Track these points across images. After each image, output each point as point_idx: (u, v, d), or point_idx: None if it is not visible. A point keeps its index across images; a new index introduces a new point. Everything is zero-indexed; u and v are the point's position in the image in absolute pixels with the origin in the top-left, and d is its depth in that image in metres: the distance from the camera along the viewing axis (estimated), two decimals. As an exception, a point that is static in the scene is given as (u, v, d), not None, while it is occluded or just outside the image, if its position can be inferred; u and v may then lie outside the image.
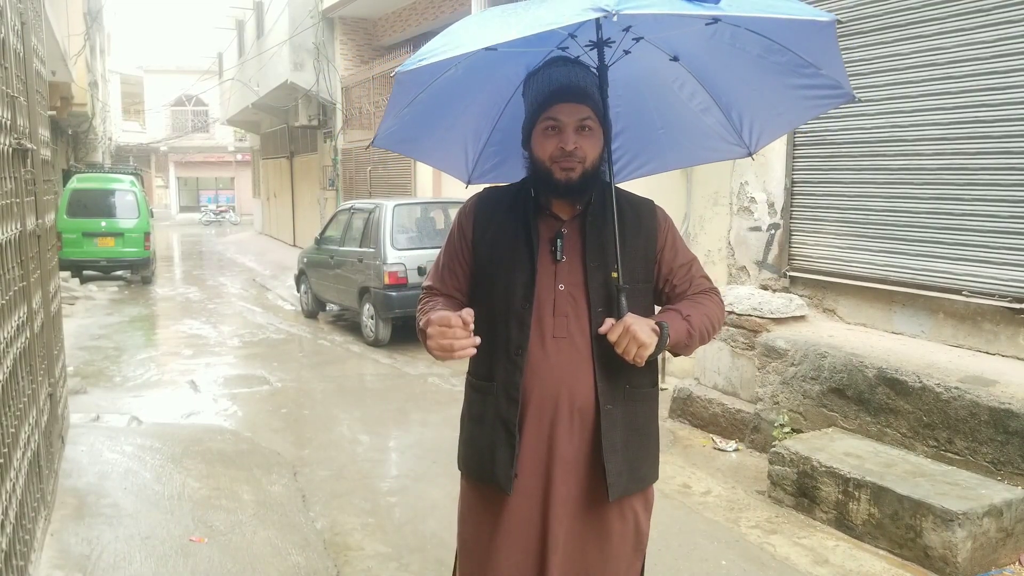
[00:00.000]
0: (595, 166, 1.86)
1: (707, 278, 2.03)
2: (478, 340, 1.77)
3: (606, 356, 1.82)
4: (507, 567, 1.90)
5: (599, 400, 1.84)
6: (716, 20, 1.81)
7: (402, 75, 1.77)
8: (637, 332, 1.74)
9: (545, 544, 1.87)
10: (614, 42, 1.92)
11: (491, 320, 1.91)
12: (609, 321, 1.80)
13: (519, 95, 2.02)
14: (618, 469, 1.85)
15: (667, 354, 1.99)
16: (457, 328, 1.73)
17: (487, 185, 2.19)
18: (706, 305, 1.95)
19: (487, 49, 1.82)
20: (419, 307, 2.03)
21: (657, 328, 1.79)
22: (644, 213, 1.97)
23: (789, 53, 1.89)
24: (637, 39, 1.96)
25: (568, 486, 1.87)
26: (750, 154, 2.24)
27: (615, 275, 1.83)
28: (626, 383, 1.88)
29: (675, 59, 2.05)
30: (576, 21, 1.50)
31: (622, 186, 2.09)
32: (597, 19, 1.79)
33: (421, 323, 1.91)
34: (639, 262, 1.92)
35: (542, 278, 1.87)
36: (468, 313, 1.75)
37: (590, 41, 1.90)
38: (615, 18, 1.40)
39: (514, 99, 2.12)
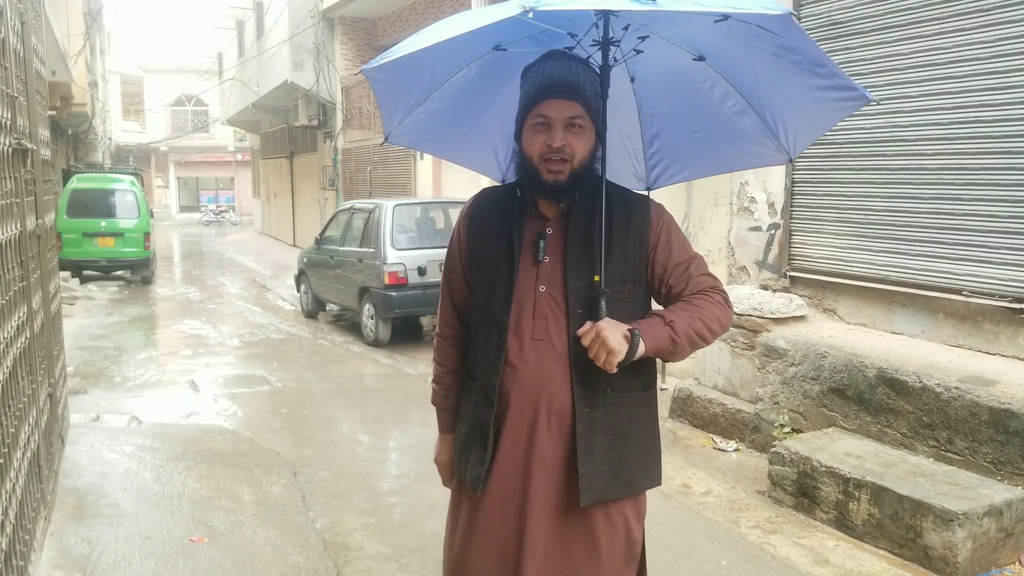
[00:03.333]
0: (584, 165, 1.83)
1: (709, 275, 1.94)
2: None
3: (584, 359, 1.79)
4: (481, 567, 1.89)
5: (575, 403, 1.81)
6: (726, 17, 1.76)
7: (370, 72, 1.82)
8: (607, 338, 1.71)
9: (521, 546, 1.84)
10: (619, 41, 1.90)
11: (477, 321, 1.94)
12: (588, 324, 1.77)
13: None
14: (594, 473, 1.81)
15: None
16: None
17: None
18: (700, 307, 1.86)
19: (497, 49, 1.89)
20: (436, 336, 2.12)
21: (629, 335, 1.74)
22: (636, 211, 1.90)
23: (800, 52, 1.82)
24: (643, 38, 1.93)
25: (546, 488, 1.84)
26: (791, 159, 2.17)
27: (597, 278, 1.79)
28: (607, 387, 1.83)
29: (700, 59, 1.99)
30: (500, 19, 1.50)
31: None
32: (605, 19, 1.83)
33: (433, 396, 2.12)
34: (628, 262, 1.86)
35: (523, 279, 1.85)
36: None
37: (595, 41, 1.88)
38: (530, 16, 1.39)
39: None
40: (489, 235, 1.93)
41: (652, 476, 1.96)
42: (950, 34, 4.27)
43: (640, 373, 1.89)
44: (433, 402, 2.12)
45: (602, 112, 1.86)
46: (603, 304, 1.78)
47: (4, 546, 2.29)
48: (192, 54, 34.42)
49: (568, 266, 1.84)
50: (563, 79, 1.79)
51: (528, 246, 1.87)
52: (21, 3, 3.40)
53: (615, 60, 1.89)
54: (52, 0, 8.59)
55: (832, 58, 5.07)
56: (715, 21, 1.77)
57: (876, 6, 4.68)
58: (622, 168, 2.27)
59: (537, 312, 1.83)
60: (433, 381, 2.11)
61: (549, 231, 1.87)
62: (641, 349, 1.76)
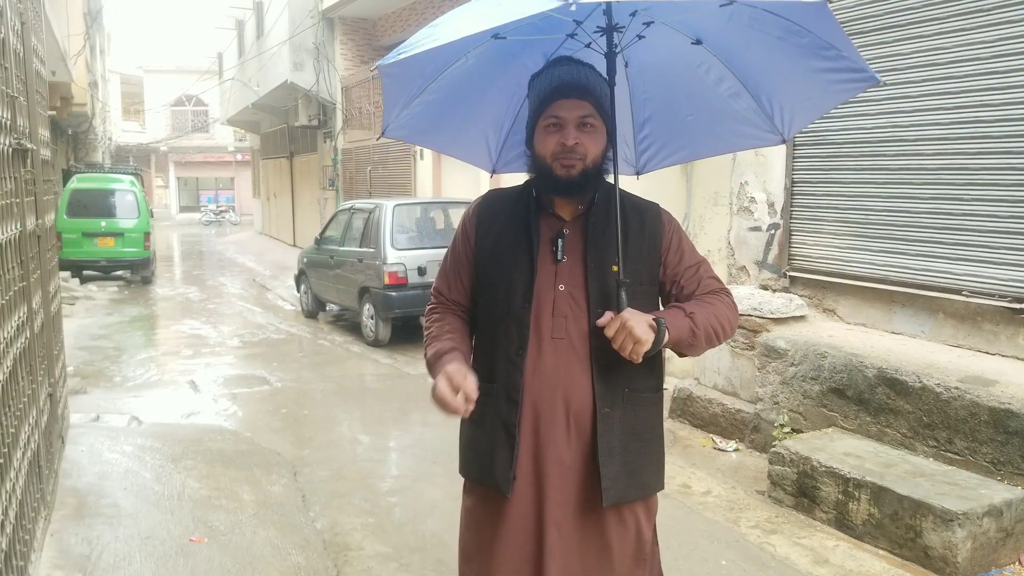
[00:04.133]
0: (596, 164, 1.84)
1: (717, 279, 1.98)
2: (470, 409, 1.76)
3: (604, 358, 1.81)
4: (505, 573, 1.88)
5: (596, 403, 1.81)
6: (731, 1, 1.74)
7: (385, 68, 1.80)
8: (633, 327, 1.71)
9: (542, 550, 1.84)
10: (624, 27, 1.90)
11: (492, 321, 1.91)
12: (608, 314, 1.77)
13: None
14: (614, 473, 1.82)
15: (665, 352, 1.98)
16: (460, 400, 1.74)
17: (492, 188, 2.20)
18: (715, 305, 1.89)
19: (495, 38, 1.85)
20: (427, 318, 2.02)
21: (654, 324, 1.75)
22: (648, 216, 1.94)
23: (809, 35, 1.80)
24: (647, 23, 1.92)
25: (565, 491, 1.84)
26: (784, 140, 2.17)
27: (615, 268, 1.80)
28: (625, 386, 1.84)
29: (698, 42, 1.99)
30: (538, 12, 1.49)
31: (639, 183, 2.07)
32: (606, 5, 1.80)
33: (428, 353, 1.91)
34: (643, 264, 1.89)
35: (542, 278, 1.85)
36: (473, 387, 1.75)
37: (598, 27, 1.88)
38: (573, 7, 1.38)
39: None
40: (503, 235, 1.92)
41: (660, 478, 1.97)
42: (950, 34, 4.28)
43: (653, 372, 1.92)
44: (432, 356, 1.89)
45: (611, 105, 1.86)
46: (623, 294, 1.78)
47: (4, 546, 2.29)
48: (192, 54, 34.52)
49: (588, 266, 1.85)
50: (573, 80, 1.82)
51: (545, 245, 1.87)
52: (21, 3, 3.40)
53: (619, 47, 1.89)
54: (52, 0, 8.59)
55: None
56: (720, 5, 1.75)
57: (876, 6, 4.68)
58: None
59: (557, 311, 1.83)
60: (426, 345, 1.95)
61: (567, 231, 1.88)
62: (666, 338, 1.76)
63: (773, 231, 5.43)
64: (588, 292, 1.83)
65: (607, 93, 1.86)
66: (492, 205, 2.00)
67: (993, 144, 4.12)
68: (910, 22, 4.48)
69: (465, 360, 1.88)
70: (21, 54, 3.32)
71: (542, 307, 1.84)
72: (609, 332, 1.74)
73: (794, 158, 5.28)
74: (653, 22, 1.93)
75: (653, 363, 1.86)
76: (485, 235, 1.96)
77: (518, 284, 1.86)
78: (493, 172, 2.35)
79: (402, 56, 1.72)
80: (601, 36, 1.88)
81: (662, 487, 1.97)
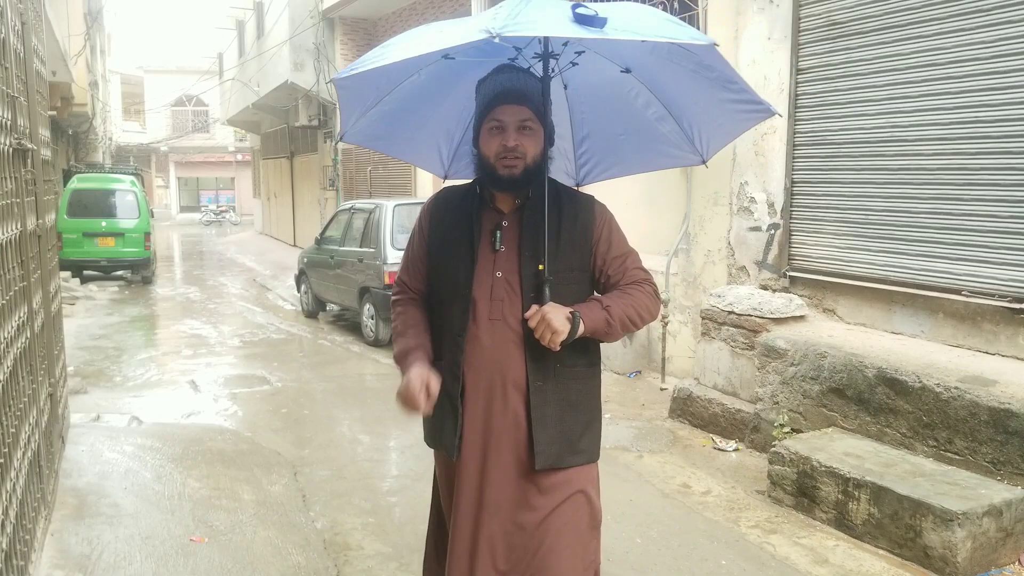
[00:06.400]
0: (537, 163, 2.05)
1: (642, 269, 2.19)
2: (429, 411, 2.03)
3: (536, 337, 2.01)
4: (457, 521, 2.10)
5: (528, 377, 2.03)
6: (643, 40, 1.96)
7: (340, 81, 2.07)
8: (551, 320, 1.95)
9: (480, 507, 2.06)
10: (559, 55, 2.13)
11: (440, 304, 2.15)
12: (534, 307, 2.00)
13: None
14: (548, 439, 2.03)
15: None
16: (420, 399, 1.99)
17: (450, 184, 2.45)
18: (633, 296, 2.11)
19: (446, 58, 2.14)
20: (392, 310, 2.24)
21: (571, 317, 1.98)
22: (582, 207, 2.14)
23: (716, 70, 2.05)
24: (580, 52, 2.17)
25: (502, 454, 2.05)
26: (703, 161, 2.43)
27: (541, 267, 2.03)
28: (557, 362, 2.05)
29: (627, 71, 2.24)
30: (466, 42, 1.70)
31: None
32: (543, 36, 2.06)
33: (396, 350, 2.15)
34: (575, 252, 2.10)
35: (482, 266, 2.07)
36: (436, 386, 2.01)
37: (536, 54, 2.11)
38: (496, 39, 1.58)
39: None
40: (451, 227, 2.15)
41: (596, 447, 2.17)
42: (950, 34, 4.28)
43: (586, 352, 2.13)
44: (400, 353, 2.12)
45: (547, 116, 2.07)
46: (547, 290, 2.01)
47: (4, 546, 2.29)
48: (192, 54, 34.41)
49: (523, 255, 2.06)
50: (513, 87, 2.04)
51: (486, 236, 2.09)
52: (21, 3, 3.40)
53: (555, 71, 2.13)
54: (52, 0, 8.59)
55: (832, 58, 5.14)
56: (642, 40, 1.96)
57: (876, 6, 4.68)
58: (554, 166, 2.51)
59: (494, 295, 2.05)
60: (395, 337, 2.17)
61: (505, 223, 2.10)
62: (581, 329, 2.00)
63: (773, 231, 5.43)
64: (522, 278, 2.05)
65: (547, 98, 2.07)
66: (443, 202, 2.22)
67: (993, 144, 4.12)
68: (910, 22, 4.48)
69: (427, 357, 2.10)
70: (21, 54, 3.32)
71: (481, 292, 2.05)
72: (531, 323, 1.98)
73: (794, 158, 5.28)
74: (585, 51, 2.18)
75: (585, 344, 2.07)
76: (436, 228, 2.18)
77: (461, 271, 2.08)
78: (445, 177, 2.58)
79: (354, 72, 1.97)
80: (539, 62, 2.10)
81: (598, 456, 2.17)
